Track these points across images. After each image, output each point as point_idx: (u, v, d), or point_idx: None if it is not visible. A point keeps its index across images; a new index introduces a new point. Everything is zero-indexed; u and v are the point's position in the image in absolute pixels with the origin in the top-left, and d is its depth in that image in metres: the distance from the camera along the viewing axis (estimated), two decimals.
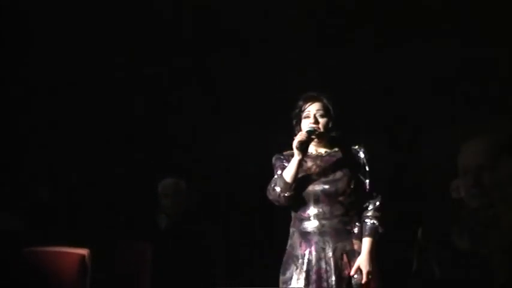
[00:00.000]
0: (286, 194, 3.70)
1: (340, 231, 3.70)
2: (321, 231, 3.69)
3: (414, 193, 5.88)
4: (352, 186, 3.74)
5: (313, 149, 3.84)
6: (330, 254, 3.67)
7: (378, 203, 3.75)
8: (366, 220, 3.73)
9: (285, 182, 3.69)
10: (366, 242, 3.70)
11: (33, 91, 5.78)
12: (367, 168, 3.79)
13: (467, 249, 2.60)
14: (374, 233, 3.71)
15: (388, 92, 6.02)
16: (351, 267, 3.67)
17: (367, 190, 3.77)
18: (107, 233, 5.31)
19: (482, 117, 5.34)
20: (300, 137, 3.70)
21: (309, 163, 3.80)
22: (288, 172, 3.70)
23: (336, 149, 3.85)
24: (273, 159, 3.88)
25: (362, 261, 3.67)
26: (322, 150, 3.85)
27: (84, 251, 4.35)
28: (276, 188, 3.72)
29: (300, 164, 3.70)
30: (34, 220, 5.34)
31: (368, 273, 3.65)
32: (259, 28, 5.85)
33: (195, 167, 5.94)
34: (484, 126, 4.04)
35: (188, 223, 5.23)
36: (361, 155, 3.82)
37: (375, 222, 3.72)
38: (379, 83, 6.00)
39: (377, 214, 3.73)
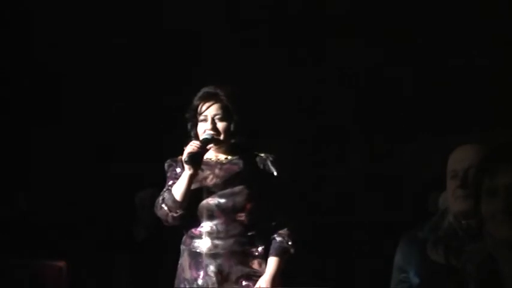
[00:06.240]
0: (175, 214, 3.14)
1: (237, 253, 3.15)
2: (213, 253, 3.14)
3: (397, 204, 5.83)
4: (253, 202, 3.16)
5: (212, 154, 3.25)
6: (224, 279, 3.13)
7: (290, 221, 3.21)
8: (275, 237, 3.19)
9: (174, 200, 3.12)
10: (272, 261, 3.16)
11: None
12: (275, 181, 3.22)
13: (442, 262, 2.65)
14: (283, 252, 3.17)
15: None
16: None
17: (275, 206, 3.22)
18: (83, 245, 5.30)
19: (464, 128, 5.34)
20: (190, 148, 3.10)
21: (206, 171, 3.21)
22: (178, 188, 3.12)
23: (239, 156, 3.25)
24: (165, 165, 3.29)
25: (263, 282, 3.12)
26: (223, 157, 3.26)
27: (61, 263, 4.35)
28: (163, 205, 3.15)
29: (192, 178, 3.11)
30: (11, 229, 5.32)
31: None
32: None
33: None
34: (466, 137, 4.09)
35: (165, 234, 5.23)
36: (269, 164, 3.23)
37: (286, 240, 3.18)
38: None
39: (288, 233, 3.19)
